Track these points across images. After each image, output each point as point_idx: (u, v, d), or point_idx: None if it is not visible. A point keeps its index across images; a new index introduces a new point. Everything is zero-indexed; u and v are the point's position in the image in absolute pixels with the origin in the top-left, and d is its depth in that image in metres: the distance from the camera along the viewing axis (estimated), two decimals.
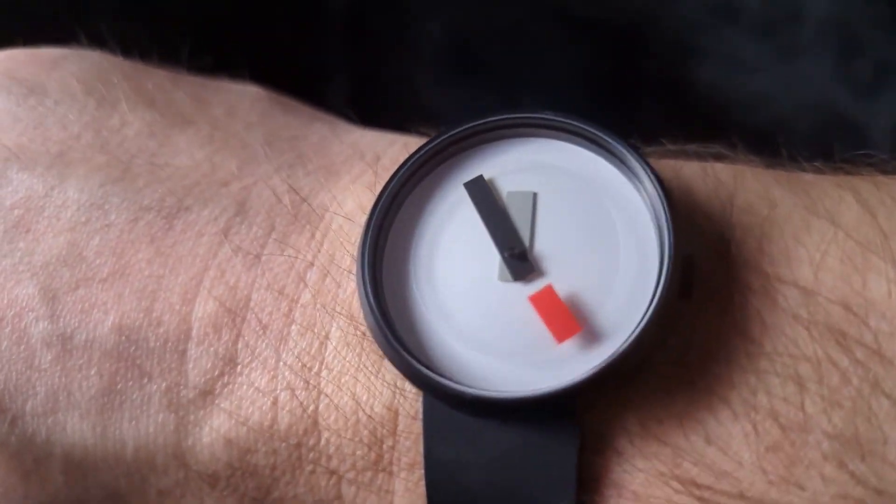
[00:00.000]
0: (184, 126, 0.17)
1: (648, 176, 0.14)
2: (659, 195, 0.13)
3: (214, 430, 0.13)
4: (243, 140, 0.16)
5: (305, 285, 0.14)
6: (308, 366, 0.14)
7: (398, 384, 0.13)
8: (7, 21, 0.39)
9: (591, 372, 0.12)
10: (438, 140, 0.15)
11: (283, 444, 0.13)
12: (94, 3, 0.40)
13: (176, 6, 0.41)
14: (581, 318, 0.13)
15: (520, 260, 0.13)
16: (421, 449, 0.13)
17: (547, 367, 0.12)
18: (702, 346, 0.12)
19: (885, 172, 0.15)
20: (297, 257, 0.14)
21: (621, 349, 0.12)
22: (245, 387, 0.14)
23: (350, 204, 0.15)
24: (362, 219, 0.14)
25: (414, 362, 0.12)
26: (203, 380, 0.14)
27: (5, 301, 0.14)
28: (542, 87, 0.43)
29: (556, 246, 0.13)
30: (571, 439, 0.12)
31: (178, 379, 0.14)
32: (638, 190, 0.14)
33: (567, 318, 0.12)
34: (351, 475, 0.13)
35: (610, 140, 0.15)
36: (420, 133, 0.16)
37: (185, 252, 0.14)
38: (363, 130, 0.18)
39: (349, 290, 0.14)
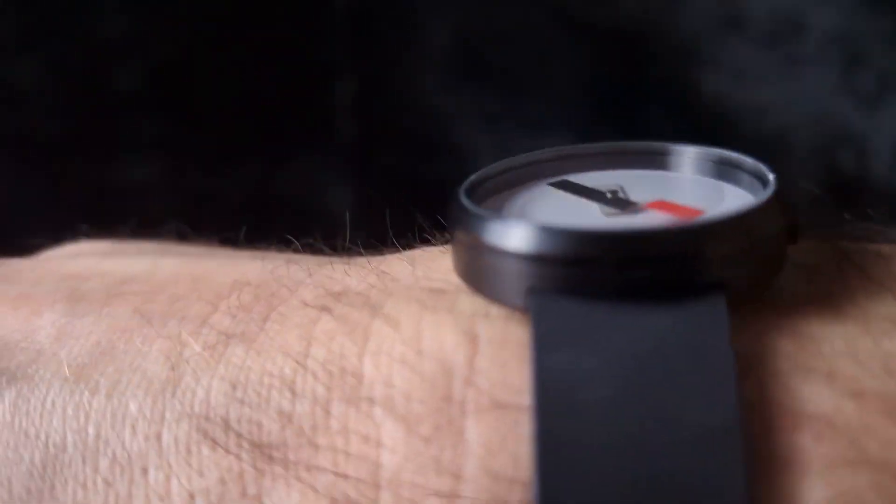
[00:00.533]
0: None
1: (758, 167, 0.13)
2: (765, 170, 0.13)
3: (224, 371, 0.14)
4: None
5: (359, 287, 0.15)
6: (358, 314, 0.13)
7: (481, 311, 0.13)
8: (15, 18, 0.39)
9: (727, 213, 0.11)
10: (516, 159, 0.15)
11: (312, 376, 0.13)
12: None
13: (180, 4, 0.41)
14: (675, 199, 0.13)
15: (621, 200, 0.13)
16: (512, 379, 0.11)
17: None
18: (839, 281, 0.13)
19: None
20: (346, 276, 0.15)
21: (751, 206, 0.12)
22: (274, 334, 0.14)
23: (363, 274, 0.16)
24: None
25: (512, 218, 0.12)
26: (223, 332, 0.14)
27: None
28: (547, 91, 0.43)
29: (652, 197, 0.13)
30: (723, 324, 0.11)
31: (191, 340, 0.14)
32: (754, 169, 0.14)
33: (674, 207, 0.12)
34: (402, 417, 0.12)
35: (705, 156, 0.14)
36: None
37: (231, 277, 0.16)
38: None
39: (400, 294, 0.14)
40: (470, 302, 0.13)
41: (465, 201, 0.13)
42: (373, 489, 0.11)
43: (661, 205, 0.12)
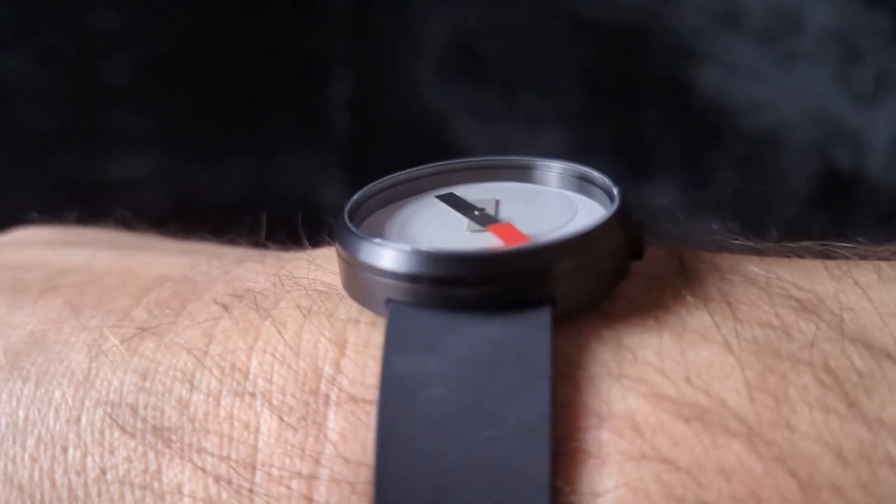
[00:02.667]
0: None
1: (605, 181, 0.15)
2: (611, 186, 0.15)
3: (135, 363, 0.15)
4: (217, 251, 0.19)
5: (265, 284, 0.16)
6: (255, 314, 0.15)
7: (354, 316, 0.14)
8: (5, 10, 0.39)
9: (562, 236, 0.13)
10: (403, 173, 0.16)
11: (207, 372, 0.15)
12: None
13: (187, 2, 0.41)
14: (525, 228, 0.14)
15: (486, 216, 0.15)
16: (370, 377, 0.13)
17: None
18: (671, 295, 0.14)
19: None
20: (259, 274, 0.17)
21: (586, 228, 0.13)
22: (181, 330, 0.15)
23: (303, 267, 0.17)
24: None
25: (377, 240, 0.13)
26: (140, 327, 0.16)
27: None
28: (543, 86, 0.42)
29: (518, 216, 0.15)
30: (545, 332, 0.12)
31: (113, 331, 0.16)
32: (601, 188, 0.15)
33: (516, 235, 0.14)
34: (276, 407, 0.14)
35: (563, 168, 0.16)
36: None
37: (158, 272, 0.18)
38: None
39: (304, 287, 0.16)
40: (346, 308, 0.15)
41: (345, 220, 0.14)
42: (249, 470, 0.13)
43: (505, 229, 0.14)
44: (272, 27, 0.42)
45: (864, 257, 0.15)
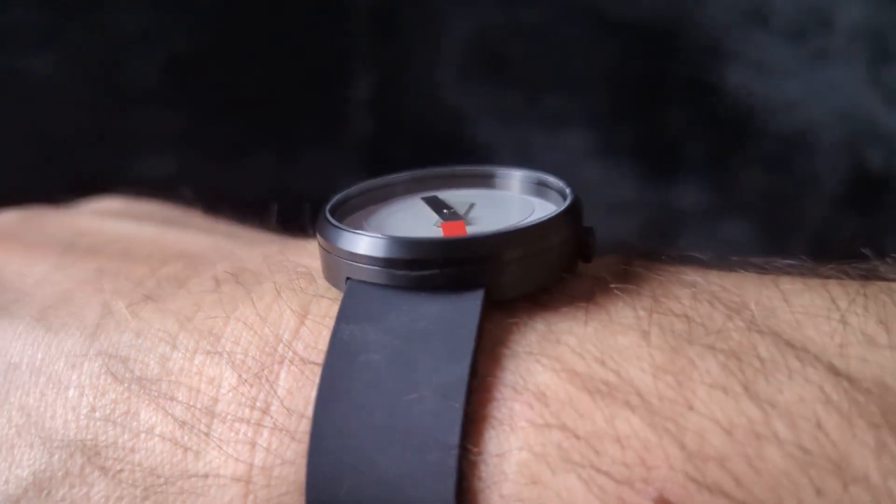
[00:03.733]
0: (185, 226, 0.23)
1: (561, 186, 0.17)
2: (568, 192, 0.16)
3: (135, 324, 0.18)
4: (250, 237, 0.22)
5: (264, 266, 0.18)
6: (241, 289, 0.17)
7: (321, 293, 0.16)
8: (33, 11, 0.39)
9: (496, 230, 0.15)
10: (395, 175, 0.18)
11: (188, 336, 0.17)
12: None
13: (202, 2, 0.41)
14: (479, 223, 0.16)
15: (453, 214, 0.17)
16: (323, 344, 0.15)
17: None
18: (604, 291, 0.15)
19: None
20: (265, 257, 0.19)
21: (519, 225, 0.15)
22: (179, 300, 0.18)
23: (312, 257, 0.18)
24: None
25: (342, 225, 0.15)
26: (147, 295, 0.18)
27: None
28: (567, 86, 0.42)
29: (483, 216, 0.17)
30: (474, 313, 0.14)
31: (125, 295, 0.19)
32: (557, 192, 0.17)
33: (456, 227, 0.16)
34: (239, 367, 0.16)
35: (530, 176, 0.18)
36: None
37: (181, 247, 0.21)
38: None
39: (298, 268, 0.18)
40: (316, 286, 0.17)
41: (324, 210, 0.16)
42: (209, 417, 0.16)
43: (455, 225, 0.16)
44: (295, 28, 0.42)
45: (803, 274, 0.16)
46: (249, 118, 0.42)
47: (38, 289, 0.19)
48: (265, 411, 0.15)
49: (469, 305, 0.14)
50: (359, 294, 0.15)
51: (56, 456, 0.17)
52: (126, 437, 0.16)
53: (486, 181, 0.18)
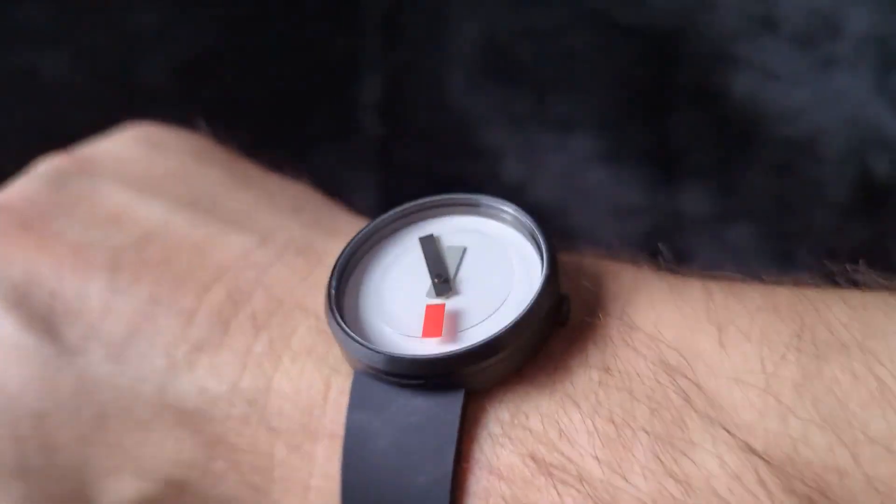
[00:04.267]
0: (245, 188, 0.23)
1: (541, 235, 0.18)
2: (546, 250, 0.18)
3: (195, 377, 0.19)
4: (280, 204, 0.23)
5: (291, 294, 0.19)
6: (276, 346, 0.19)
7: (337, 367, 0.18)
8: (44, 10, 0.39)
9: (471, 344, 0.17)
10: (402, 207, 0.20)
11: (241, 400, 0.18)
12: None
13: (222, 6, 0.42)
14: (464, 326, 0.18)
15: (444, 283, 0.18)
16: (343, 419, 0.17)
17: (443, 349, 0.17)
18: (567, 363, 0.17)
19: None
20: (292, 276, 0.20)
21: (495, 333, 0.17)
22: (227, 351, 0.19)
23: (336, 251, 0.20)
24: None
25: (350, 333, 0.17)
26: (198, 340, 0.19)
27: (82, 260, 0.21)
28: (575, 91, 0.42)
29: (470, 277, 0.19)
30: (456, 406, 0.16)
31: (179, 336, 0.19)
32: (536, 251, 0.19)
33: (436, 325, 0.18)
34: (285, 437, 0.18)
35: (520, 213, 0.19)
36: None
37: (215, 260, 0.20)
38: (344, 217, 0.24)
39: (319, 302, 0.19)
40: (334, 356, 0.19)
41: (329, 305, 0.18)
42: (269, 480, 0.19)
43: (437, 312, 0.18)
44: (304, 30, 0.42)
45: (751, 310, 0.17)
46: (260, 119, 0.42)
47: (102, 320, 0.20)
48: (311, 473, 0.18)
49: (452, 403, 0.16)
50: (363, 385, 0.17)
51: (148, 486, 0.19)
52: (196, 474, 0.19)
53: (476, 210, 0.20)
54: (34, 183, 0.23)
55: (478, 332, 0.17)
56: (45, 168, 0.23)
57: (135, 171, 0.23)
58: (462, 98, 0.43)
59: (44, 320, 0.19)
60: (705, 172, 0.41)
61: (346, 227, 0.22)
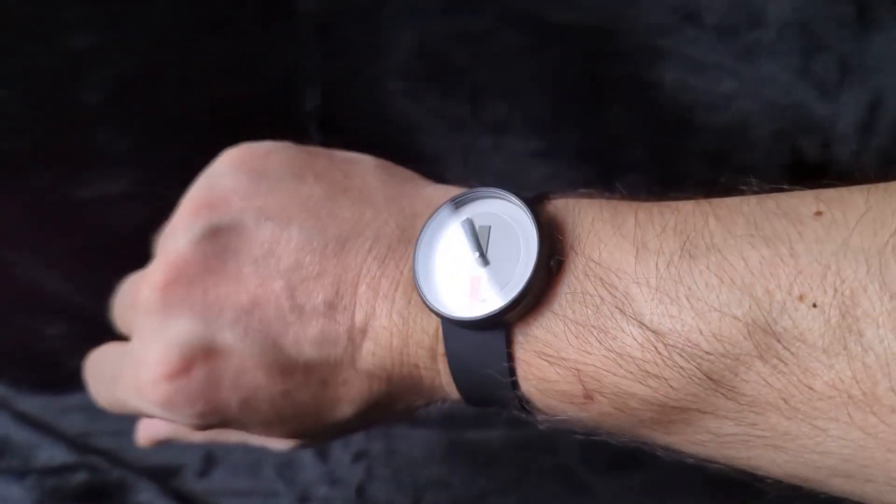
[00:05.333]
0: (343, 192, 0.29)
1: (532, 219, 0.25)
2: (535, 227, 0.25)
3: (367, 348, 0.27)
4: (373, 199, 0.29)
5: (402, 275, 0.27)
6: (403, 314, 0.26)
7: (437, 319, 0.26)
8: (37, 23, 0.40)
9: (502, 304, 0.24)
10: (448, 201, 0.27)
11: (395, 353, 0.27)
12: (70, 13, 0.41)
13: (144, 16, 0.42)
14: (491, 291, 0.25)
15: (481, 257, 0.26)
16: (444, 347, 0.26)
17: (484, 308, 0.25)
18: (554, 293, 0.24)
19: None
20: (399, 262, 0.27)
21: (513, 296, 0.24)
22: (378, 326, 0.26)
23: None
24: None
25: (435, 306, 0.25)
26: (362, 324, 0.27)
27: (269, 291, 0.27)
28: (511, 92, 0.43)
29: (495, 251, 0.26)
30: (501, 338, 0.25)
31: (351, 325, 0.27)
32: (532, 225, 0.25)
33: (476, 291, 0.25)
34: (423, 365, 0.27)
35: (518, 200, 0.25)
36: (464, 185, 0.28)
37: (350, 261, 0.27)
38: (433, 186, 0.30)
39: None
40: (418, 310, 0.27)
41: (421, 292, 0.26)
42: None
43: (477, 282, 0.26)
44: (242, 46, 0.43)
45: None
46: (201, 135, 0.42)
47: (301, 326, 0.27)
48: (440, 376, 0.27)
49: (499, 335, 0.25)
50: (448, 327, 0.26)
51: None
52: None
53: (493, 195, 0.27)
54: (195, 238, 0.28)
55: (502, 296, 0.24)
56: (194, 223, 0.28)
57: (262, 203, 0.28)
58: (401, 105, 0.43)
59: (265, 339, 0.27)
60: (642, 165, 0.41)
61: (420, 205, 0.28)
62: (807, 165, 0.40)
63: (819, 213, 0.22)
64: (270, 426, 0.29)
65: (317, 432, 0.30)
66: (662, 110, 0.41)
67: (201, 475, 0.41)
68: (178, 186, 0.42)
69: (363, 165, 0.30)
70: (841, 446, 0.21)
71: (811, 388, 0.21)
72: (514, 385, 0.25)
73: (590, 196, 0.26)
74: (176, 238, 0.28)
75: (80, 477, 0.40)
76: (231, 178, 0.29)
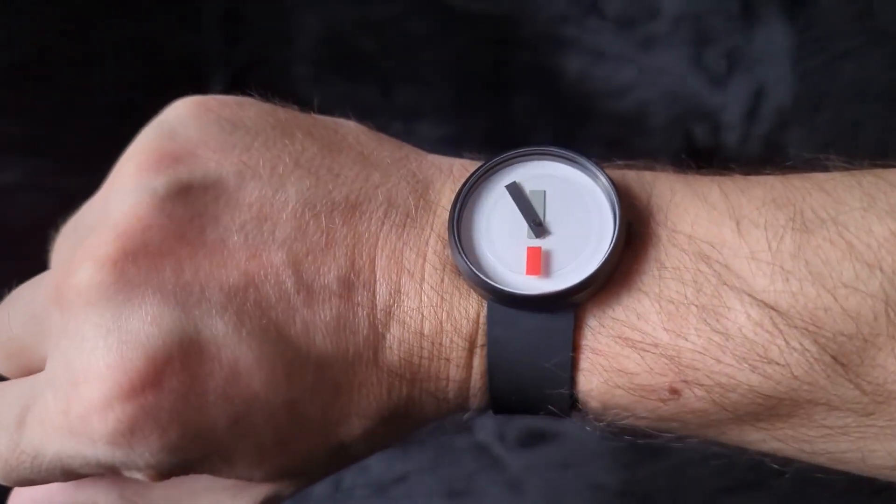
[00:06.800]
0: (339, 150, 0.23)
1: (606, 180, 0.22)
2: (612, 190, 0.21)
3: (393, 335, 0.22)
4: (376, 159, 0.23)
5: (428, 246, 0.22)
6: (437, 293, 0.22)
7: (479, 301, 0.22)
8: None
9: (578, 280, 0.21)
10: (490, 161, 0.23)
11: (426, 342, 0.22)
12: None
13: (39, 0, 0.40)
14: (557, 264, 0.22)
15: (538, 226, 0.22)
16: (485, 335, 0.22)
17: (550, 284, 0.21)
18: (635, 268, 0.21)
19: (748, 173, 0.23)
20: (423, 231, 0.22)
21: (592, 271, 0.21)
22: (406, 307, 0.22)
23: (444, 200, 0.23)
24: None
25: (489, 280, 0.21)
26: (385, 305, 0.22)
27: (266, 264, 0.21)
28: (418, 78, 0.43)
29: (555, 219, 0.22)
30: (569, 321, 0.21)
31: (372, 306, 0.21)
32: (602, 189, 0.22)
33: (536, 265, 0.22)
34: (455, 359, 0.22)
35: (584, 159, 0.22)
36: (467, 157, 0.25)
37: (364, 229, 0.22)
38: (433, 154, 0.25)
39: (448, 250, 0.22)
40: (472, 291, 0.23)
41: (469, 266, 0.22)
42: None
43: (533, 251, 0.22)
44: (141, 30, 0.41)
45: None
46: (100, 122, 0.41)
47: (311, 310, 0.22)
48: (471, 378, 0.23)
49: (565, 318, 0.21)
50: (496, 310, 0.22)
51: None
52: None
53: (546, 154, 0.23)
54: (157, 196, 0.21)
55: (574, 270, 0.21)
56: (153, 178, 0.21)
57: (244, 159, 0.22)
58: (308, 91, 0.43)
59: (266, 329, 0.20)
60: None
61: (430, 171, 0.24)
62: (698, 150, 0.42)
63: None
64: (262, 458, 0.22)
65: (311, 464, 0.23)
66: (566, 98, 0.43)
67: None
68: (77, 176, 0.41)
69: (350, 126, 0.25)
70: None
71: None
72: (573, 381, 0.22)
73: (649, 168, 0.24)
74: (123, 199, 0.21)
75: None
76: (196, 127, 0.23)
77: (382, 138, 0.25)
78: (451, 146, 0.44)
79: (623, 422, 0.22)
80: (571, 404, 0.22)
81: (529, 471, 0.40)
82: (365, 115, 0.45)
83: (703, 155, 0.42)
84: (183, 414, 0.19)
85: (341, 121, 0.25)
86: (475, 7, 0.43)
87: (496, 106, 0.44)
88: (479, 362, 0.22)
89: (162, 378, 0.19)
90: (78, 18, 0.40)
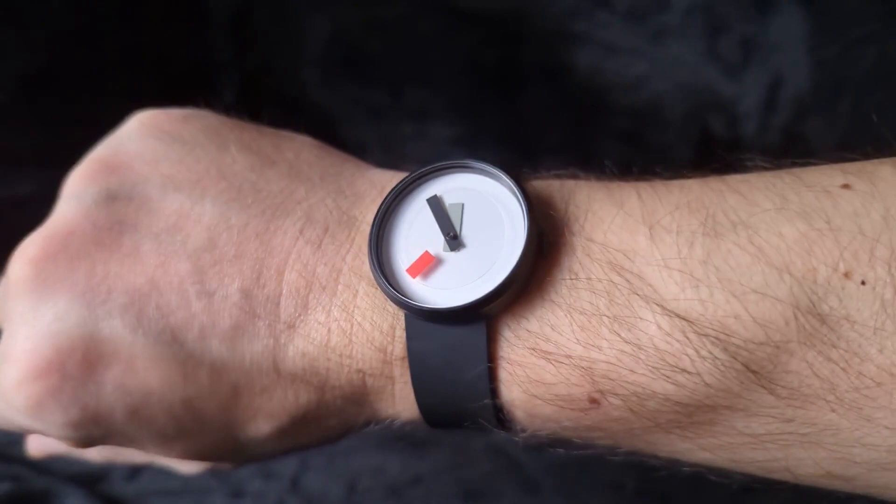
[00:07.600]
0: (271, 165, 0.24)
1: (520, 192, 0.22)
2: (525, 203, 0.21)
3: (295, 347, 0.22)
4: (306, 175, 0.24)
5: (345, 262, 0.22)
6: (348, 308, 0.22)
7: (394, 314, 0.22)
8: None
9: (486, 291, 0.21)
10: (411, 175, 0.23)
11: (333, 354, 0.22)
12: None
13: (49, 8, 0.40)
14: (469, 276, 0.22)
15: (453, 239, 0.22)
16: (405, 348, 0.22)
17: (461, 296, 0.21)
18: (549, 278, 0.21)
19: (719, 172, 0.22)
20: (341, 247, 0.23)
21: (501, 281, 0.21)
22: (313, 321, 0.22)
23: (370, 215, 0.23)
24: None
25: (400, 296, 0.21)
26: (289, 318, 0.22)
27: (172, 272, 0.22)
28: (428, 79, 0.43)
29: (471, 232, 0.22)
30: (482, 332, 0.21)
31: (275, 318, 0.22)
32: (518, 201, 0.22)
33: (419, 268, 0.22)
34: (370, 370, 0.22)
35: (500, 172, 0.22)
36: (408, 169, 0.25)
37: (277, 243, 0.23)
38: (376, 169, 0.25)
39: (367, 265, 0.22)
40: (391, 305, 0.23)
41: (382, 281, 0.22)
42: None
43: (427, 259, 0.22)
44: (150, 39, 0.42)
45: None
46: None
47: (210, 319, 0.22)
48: (393, 385, 0.23)
49: (478, 329, 0.21)
50: (413, 323, 0.22)
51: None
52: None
53: (468, 169, 0.23)
54: (85, 204, 0.23)
55: (485, 281, 0.21)
56: (87, 187, 0.24)
57: (171, 172, 0.24)
58: (319, 94, 0.43)
59: (163, 331, 0.22)
60: (560, 146, 0.42)
61: (363, 186, 0.24)
62: (715, 142, 0.41)
63: (846, 186, 0.20)
64: (168, 443, 0.23)
65: (226, 453, 0.24)
66: (578, 93, 0.42)
67: (130, 478, 0.40)
68: None
69: (297, 141, 0.26)
70: (887, 437, 0.19)
71: (861, 375, 0.18)
72: (494, 392, 0.21)
73: (573, 177, 0.23)
74: (60, 205, 0.24)
75: (4, 487, 0.38)
76: (137, 141, 0.25)
77: (326, 154, 0.25)
78: (465, 145, 0.44)
79: (549, 432, 0.22)
80: (498, 416, 0.22)
81: (546, 471, 0.40)
82: (376, 116, 0.44)
83: (722, 147, 0.41)
84: (82, 398, 0.22)
85: (289, 135, 0.26)
86: (483, 5, 0.42)
87: (508, 104, 0.43)
88: (400, 373, 0.22)
89: (64, 366, 0.22)
90: (88, 30, 0.41)
